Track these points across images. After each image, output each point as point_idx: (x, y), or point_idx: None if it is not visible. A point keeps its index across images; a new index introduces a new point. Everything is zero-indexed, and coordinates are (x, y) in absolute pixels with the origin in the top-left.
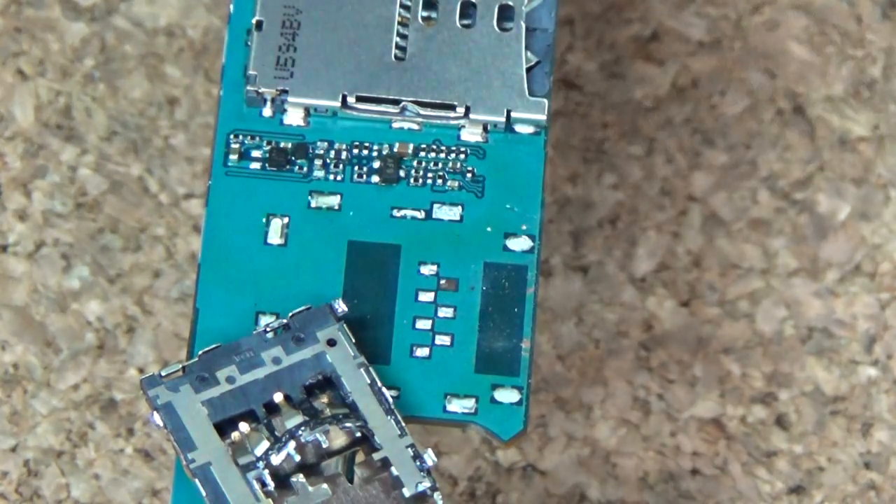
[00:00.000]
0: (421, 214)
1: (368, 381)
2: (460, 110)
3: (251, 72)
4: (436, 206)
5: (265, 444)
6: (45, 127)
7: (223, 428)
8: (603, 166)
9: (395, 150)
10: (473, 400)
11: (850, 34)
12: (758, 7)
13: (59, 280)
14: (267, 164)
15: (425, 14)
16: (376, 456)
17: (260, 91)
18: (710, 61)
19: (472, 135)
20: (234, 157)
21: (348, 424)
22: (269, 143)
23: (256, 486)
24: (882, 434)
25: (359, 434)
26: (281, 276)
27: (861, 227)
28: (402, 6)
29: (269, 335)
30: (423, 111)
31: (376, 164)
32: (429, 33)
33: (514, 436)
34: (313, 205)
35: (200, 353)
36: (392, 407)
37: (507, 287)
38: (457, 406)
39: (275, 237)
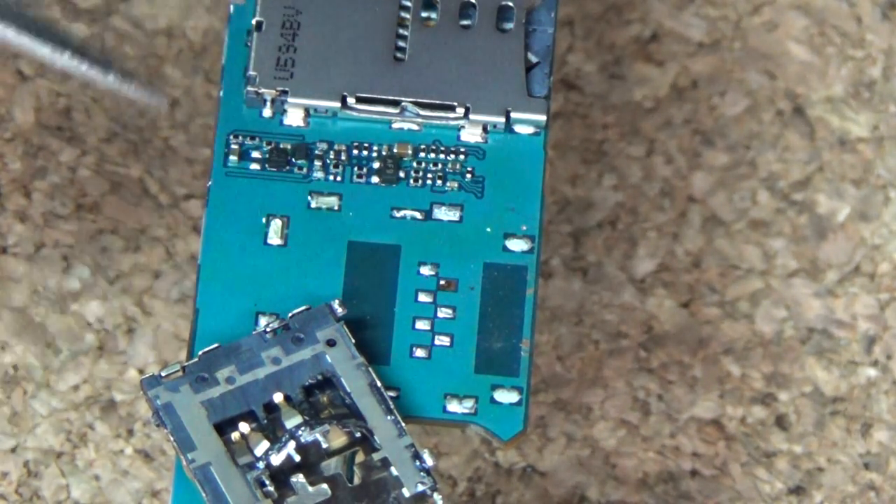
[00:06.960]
0: (420, 215)
1: (368, 382)
2: (460, 111)
3: (251, 72)
4: (435, 206)
5: (265, 445)
6: (44, 128)
7: (223, 428)
8: (603, 167)
9: (395, 150)
10: (473, 400)
11: (849, 35)
12: (757, 8)
13: (59, 281)
14: (267, 165)
15: (425, 14)
16: (376, 456)
17: (260, 92)
18: (709, 62)
19: (471, 135)
20: (233, 157)
21: (348, 425)
22: (268, 143)
23: (256, 486)
24: (882, 434)
25: (358, 434)
26: (281, 276)
27: (861, 228)
28: (402, 7)
29: (269, 335)
30: (422, 112)
31: (376, 165)
32: (428, 34)
33: (513, 436)
34: (313, 205)
35: (200, 353)
36: (391, 407)
37: (506, 288)
38: (456, 406)
39: (274, 238)
